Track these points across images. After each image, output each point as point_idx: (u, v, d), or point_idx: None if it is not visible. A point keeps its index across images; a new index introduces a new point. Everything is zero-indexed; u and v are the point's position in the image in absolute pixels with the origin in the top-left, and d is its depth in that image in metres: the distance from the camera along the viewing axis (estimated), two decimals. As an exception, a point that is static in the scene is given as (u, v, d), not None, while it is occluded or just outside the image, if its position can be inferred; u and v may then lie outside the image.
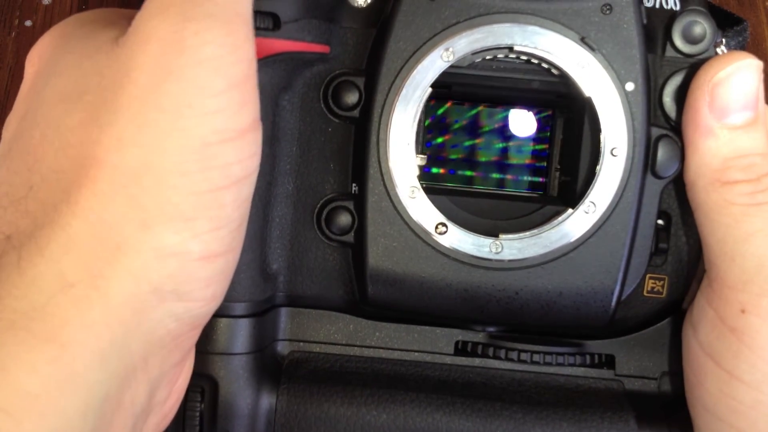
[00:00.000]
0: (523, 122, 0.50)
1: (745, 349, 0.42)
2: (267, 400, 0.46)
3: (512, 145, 0.50)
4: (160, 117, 0.36)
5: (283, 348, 0.48)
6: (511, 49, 0.44)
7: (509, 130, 0.49)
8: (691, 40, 0.46)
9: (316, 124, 0.47)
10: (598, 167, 0.44)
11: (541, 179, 0.50)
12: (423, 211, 0.45)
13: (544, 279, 0.45)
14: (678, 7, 0.47)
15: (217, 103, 0.37)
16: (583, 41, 0.44)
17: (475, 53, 0.44)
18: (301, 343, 0.48)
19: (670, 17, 0.46)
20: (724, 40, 0.47)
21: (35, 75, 0.41)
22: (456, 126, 0.50)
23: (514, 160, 0.50)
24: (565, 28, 0.44)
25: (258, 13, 0.41)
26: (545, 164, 0.49)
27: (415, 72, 0.44)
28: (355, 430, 0.45)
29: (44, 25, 0.71)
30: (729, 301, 0.43)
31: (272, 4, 0.43)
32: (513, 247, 0.45)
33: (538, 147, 0.50)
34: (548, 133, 0.49)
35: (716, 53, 0.46)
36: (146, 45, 0.37)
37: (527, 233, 0.45)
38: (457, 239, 0.45)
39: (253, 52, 0.38)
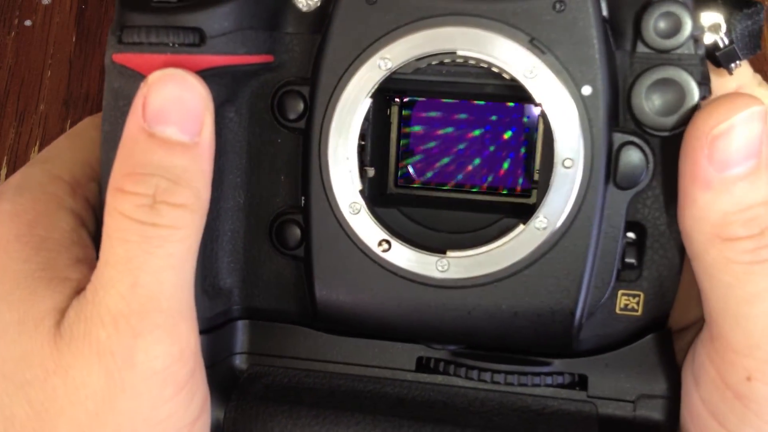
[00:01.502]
0: (495, 123, 0.47)
1: (752, 415, 0.39)
2: (216, 416, 0.44)
3: (486, 143, 0.47)
4: None
5: (241, 361, 0.47)
6: (454, 53, 0.41)
7: (482, 133, 0.47)
8: (664, 33, 0.41)
9: (266, 136, 0.45)
10: (551, 179, 0.41)
11: (502, 187, 0.47)
12: (365, 227, 0.42)
13: (496, 298, 0.42)
14: None
15: (167, 410, 0.38)
16: (533, 43, 0.40)
17: (417, 59, 0.41)
18: (261, 357, 0.47)
19: (641, 7, 0.41)
20: (724, 24, 0.42)
21: None
22: (427, 124, 0.47)
23: (486, 159, 0.47)
24: (513, 29, 0.40)
25: (181, 29, 0.40)
26: (506, 170, 0.47)
27: (352, 82, 0.42)
28: None
29: (44, 25, 0.71)
30: (734, 365, 0.40)
31: (196, 20, 0.40)
32: (461, 264, 0.42)
33: (506, 151, 0.47)
34: (520, 136, 0.46)
35: (700, 47, 0.41)
36: (97, 359, 0.37)
37: (475, 251, 0.42)
38: (402, 257, 0.42)
39: (196, 343, 0.39)
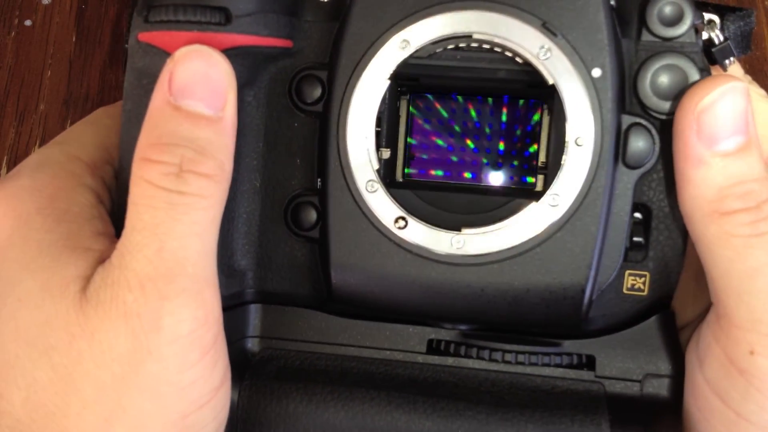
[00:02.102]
0: (501, 113, 0.48)
1: (754, 390, 0.40)
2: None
3: (493, 135, 0.48)
4: (140, 398, 0.37)
5: (253, 345, 0.47)
6: (470, 37, 0.42)
7: (489, 121, 0.48)
8: (667, 22, 0.43)
9: (283, 120, 0.46)
10: (563, 158, 0.42)
11: (515, 172, 0.48)
12: (382, 205, 0.44)
13: (509, 275, 0.43)
14: None
15: (192, 375, 0.38)
16: (545, 26, 0.42)
17: (434, 43, 0.43)
18: (273, 340, 0.47)
19: None
20: (719, 22, 0.44)
21: None
22: (434, 119, 0.48)
23: (492, 151, 0.48)
24: (526, 13, 0.42)
25: (208, 8, 0.41)
26: (519, 154, 0.47)
27: (372, 64, 0.43)
28: (313, 427, 0.44)
29: (44, 25, 0.71)
30: (737, 340, 0.40)
31: None
32: (475, 241, 0.43)
33: (517, 137, 0.48)
34: (530, 122, 0.47)
35: (700, 36, 0.44)
36: (123, 321, 0.37)
37: (489, 227, 0.43)
38: (418, 234, 0.43)
39: (219, 310, 0.40)
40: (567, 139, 0.42)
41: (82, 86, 0.69)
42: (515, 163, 0.47)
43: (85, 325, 0.38)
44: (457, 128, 0.48)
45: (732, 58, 0.45)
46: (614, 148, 0.43)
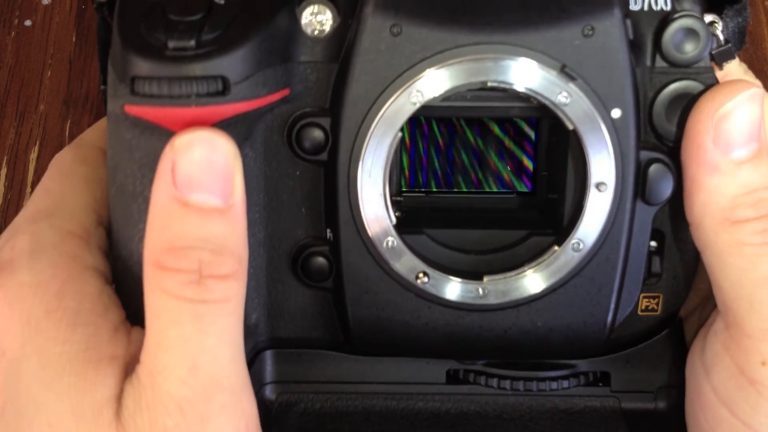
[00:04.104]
0: (503, 137, 0.46)
1: (765, 401, 0.39)
2: None
3: (497, 160, 0.47)
4: None
5: (271, 391, 0.46)
6: (485, 83, 0.40)
7: (491, 147, 0.46)
8: (683, 49, 0.42)
9: (283, 169, 0.43)
10: (584, 202, 0.41)
11: (525, 193, 0.47)
12: (402, 259, 0.42)
13: (533, 317, 0.43)
14: (669, 7, 0.42)
15: None
16: (563, 71, 0.40)
17: (447, 91, 0.40)
18: (290, 384, 0.46)
19: (660, 21, 0.41)
20: (720, 24, 0.43)
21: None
22: (435, 150, 0.46)
23: (497, 177, 0.47)
24: (543, 56, 0.40)
25: (206, 79, 0.37)
26: (530, 178, 0.46)
27: (382, 116, 0.40)
28: None
29: (44, 25, 0.71)
30: (749, 350, 0.40)
31: (220, 67, 0.37)
32: (498, 290, 0.42)
33: (524, 159, 0.47)
34: (534, 143, 0.46)
35: (712, 58, 0.42)
36: None
37: (511, 273, 0.42)
38: (441, 286, 0.42)
39: (256, 412, 0.38)
40: (588, 183, 0.41)
41: (82, 86, 0.69)
42: (511, 178, 0.47)
43: None
44: (453, 146, 0.46)
45: (730, 60, 0.44)
46: (634, 187, 0.42)
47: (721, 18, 0.43)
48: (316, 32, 0.42)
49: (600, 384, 0.46)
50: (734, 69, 0.45)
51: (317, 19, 0.42)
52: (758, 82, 0.45)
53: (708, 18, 0.43)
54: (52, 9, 0.72)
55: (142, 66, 0.37)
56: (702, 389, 0.43)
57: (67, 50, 0.70)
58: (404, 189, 0.46)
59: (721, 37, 0.43)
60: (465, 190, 0.46)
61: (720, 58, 0.43)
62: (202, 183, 0.36)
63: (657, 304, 0.45)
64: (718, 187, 0.39)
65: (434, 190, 0.47)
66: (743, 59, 0.50)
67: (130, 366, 0.37)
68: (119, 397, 0.37)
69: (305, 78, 0.42)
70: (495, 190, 0.47)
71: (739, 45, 0.45)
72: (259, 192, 0.43)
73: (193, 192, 0.36)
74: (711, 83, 0.42)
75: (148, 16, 0.38)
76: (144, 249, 0.37)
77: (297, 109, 0.42)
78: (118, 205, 0.40)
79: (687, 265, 0.45)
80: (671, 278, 0.45)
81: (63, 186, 0.43)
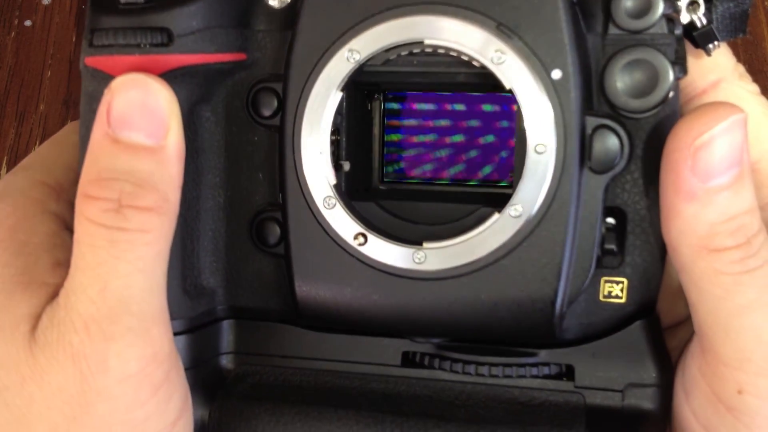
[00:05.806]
0: (479, 112, 0.46)
1: (743, 427, 0.39)
2: (201, 415, 0.44)
3: (469, 134, 0.46)
4: None
5: (228, 361, 0.46)
6: (422, 43, 0.40)
7: (467, 121, 0.46)
8: (635, 14, 0.40)
9: (243, 134, 0.44)
10: (523, 166, 0.40)
11: (479, 177, 0.46)
12: (341, 221, 0.42)
13: (475, 289, 0.41)
14: None
15: (145, 412, 0.38)
16: (500, 28, 0.39)
17: (385, 51, 0.41)
18: (248, 356, 0.46)
19: None
20: (702, 5, 0.41)
21: None
22: (407, 123, 0.47)
23: (467, 151, 0.46)
24: (479, 15, 0.40)
25: (149, 30, 0.40)
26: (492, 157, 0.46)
27: (322, 76, 0.41)
28: None
29: (44, 25, 0.71)
30: (725, 378, 0.39)
31: (164, 19, 0.40)
32: (437, 255, 0.41)
33: (490, 139, 0.46)
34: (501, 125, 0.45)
35: (675, 26, 0.40)
36: (71, 363, 0.37)
37: (450, 241, 0.41)
38: (378, 249, 0.42)
39: (170, 345, 0.39)
40: (527, 146, 0.40)
41: (82, 86, 0.70)
42: (488, 168, 0.46)
43: (35, 366, 0.38)
44: (434, 126, 0.46)
45: (716, 42, 0.42)
46: (579, 153, 0.40)
47: (709, 0, 0.41)
48: (277, 3, 0.43)
49: (564, 378, 0.44)
50: (729, 72, 0.43)
51: None
52: (755, 86, 0.44)
53: None
54: (52, 9, 0.72)
55: (97, 19, 0.41)
56: (683, 412, 0.42)
57: (67, 50, 0.70)
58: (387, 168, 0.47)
59: (703, 20, 0.41)
60: (430, 167, 0.46)
61: (701, 39, 0.42)
62: (133, 122, 0.38)
63: (621, 290, 0.43)
64: (695, 214, 0.38)
65: (402, 166, 0.47)
66: (743, 59, 0.49)
67: (57, 294, 0.39)
68: (38, 316, 0.38)
69: (263, 46, 0.43)
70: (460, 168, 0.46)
71: (734, 32, 0.44)
72: (220, 156, 0.44)
73: (124, 130, 0.38)
74: (668, 49, 0.40)
75: None
76: (78, 185, 0.39)
77: (255, 76, 0.43)
78: (82, 155, 0.42)
79: (654, 252, 0.43)
80: (636, 264, 0.43)
81: (51, 148, 0.46)
